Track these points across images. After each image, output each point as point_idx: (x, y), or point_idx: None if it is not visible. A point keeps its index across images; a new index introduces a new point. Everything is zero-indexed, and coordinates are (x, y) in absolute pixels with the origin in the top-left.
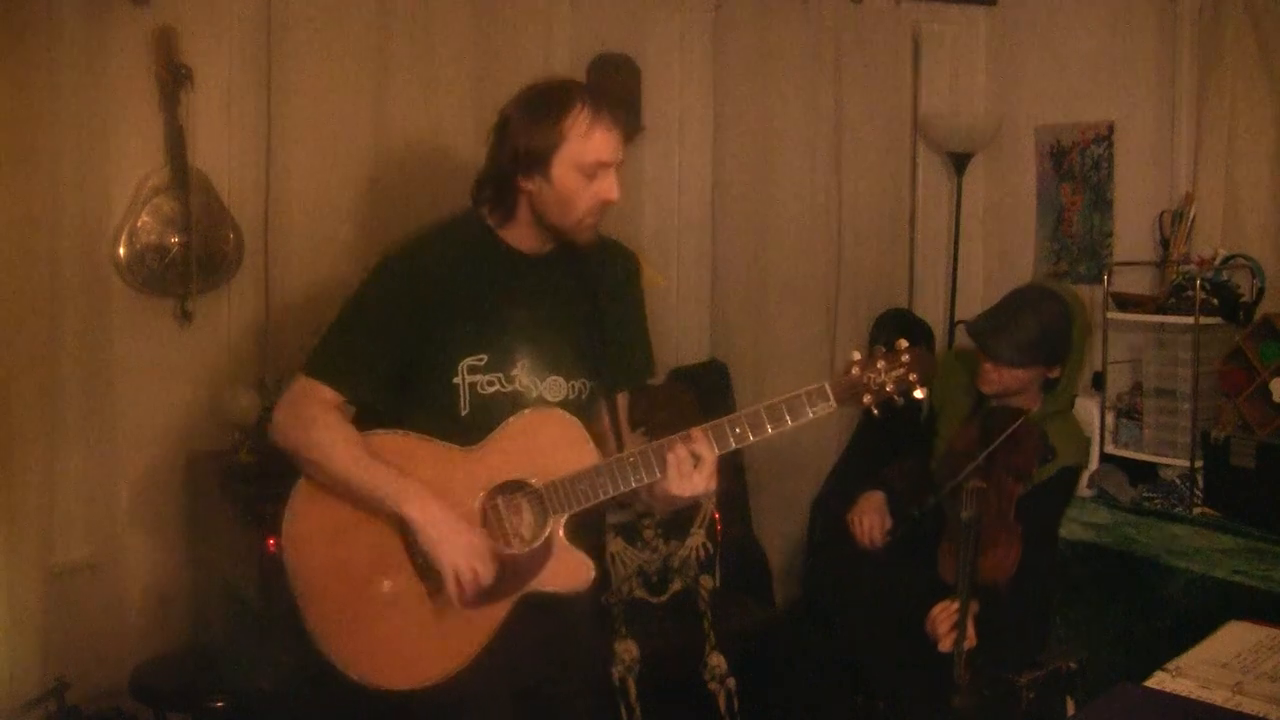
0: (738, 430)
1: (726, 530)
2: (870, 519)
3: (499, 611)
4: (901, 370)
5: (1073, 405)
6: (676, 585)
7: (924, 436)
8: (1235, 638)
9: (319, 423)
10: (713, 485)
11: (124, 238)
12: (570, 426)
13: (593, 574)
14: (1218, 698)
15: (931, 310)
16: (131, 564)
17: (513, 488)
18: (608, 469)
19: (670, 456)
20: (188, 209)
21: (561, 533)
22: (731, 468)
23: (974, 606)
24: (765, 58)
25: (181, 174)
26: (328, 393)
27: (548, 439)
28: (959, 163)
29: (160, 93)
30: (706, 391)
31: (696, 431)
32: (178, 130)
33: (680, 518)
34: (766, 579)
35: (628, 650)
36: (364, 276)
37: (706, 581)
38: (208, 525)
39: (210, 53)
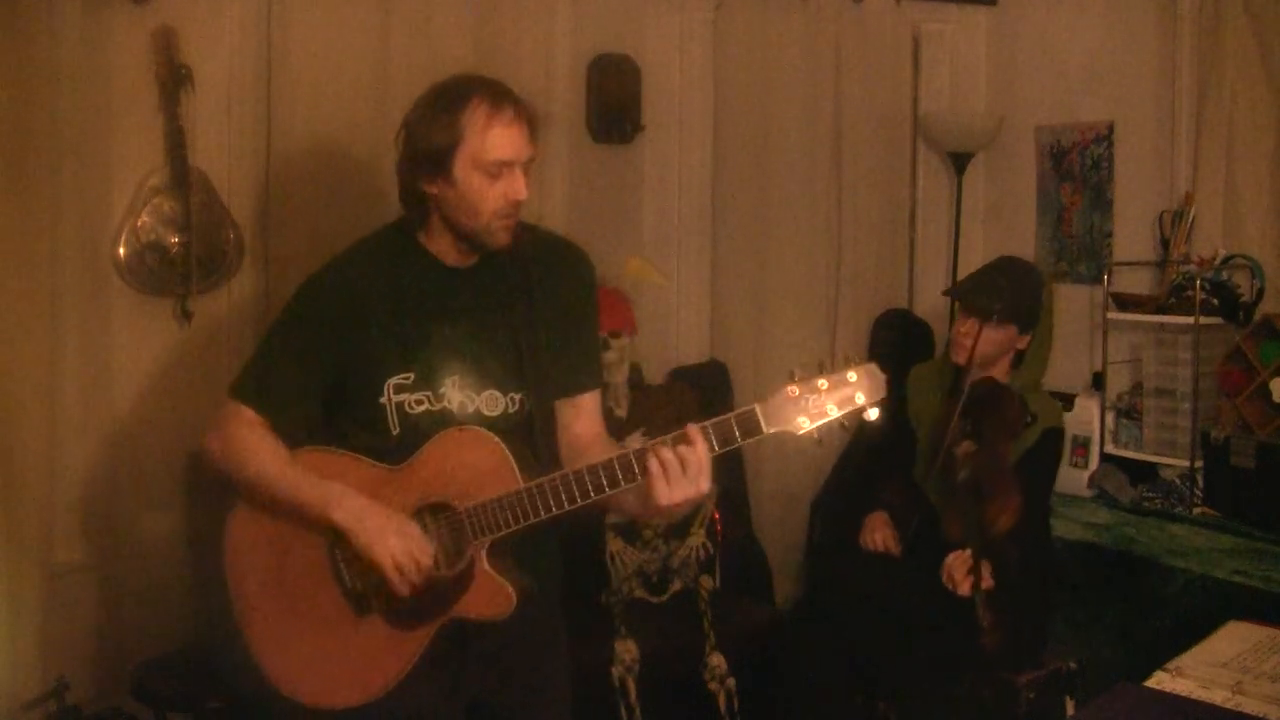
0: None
1: (726, 530)
2: (881, 534)
3: (423, 635)
4: (847, 391)
5: (1039, 380)
6: (676, 585)
7: (907, 447)
8: (1235, 638)
9: (243, 442)
10: (705, 487)
11: (124, 238)
12: (492, 448)
13: (512, 603)
14: (1218, 698)
15: (931, 310)
16: (131, 564)
17: (436, 510)
18: (527, 494)
19: (653, 464)
20: (188, 209)
21: (485, 558)
22: (731, 468)
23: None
24: (765, 58)
25: (181, 174)
26: (252, 415)
27: (468, 460)
28: (959, 162)
29: (160, 93)
30: (706, 391)
31: (694, 428)
32: (178, 130)
33: (680, 518)
34: (766, 579)
35: (628, 650)
36: (289, 297)
37: (706, 581)
38: (208, 525)
39: (210, 53)
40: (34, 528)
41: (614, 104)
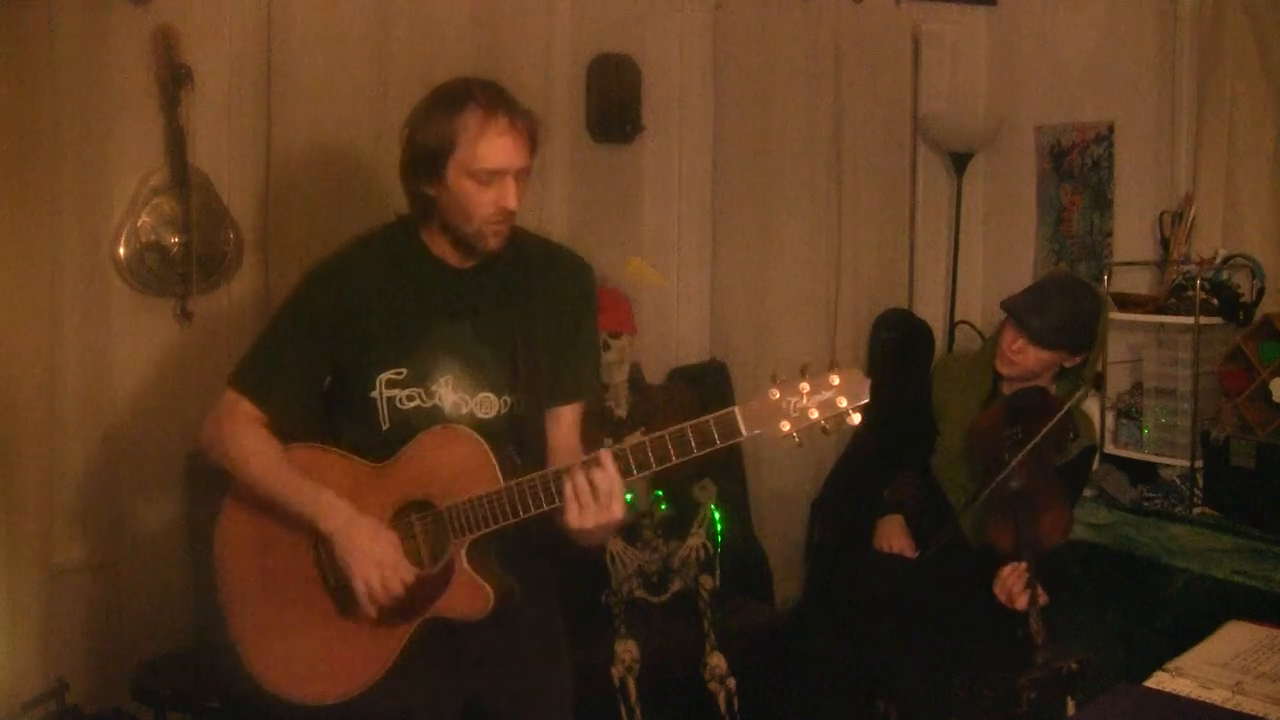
0: (638, 458)
1: (726, 530)
2: (898, 541)
3: (404, 633)
4: (828, 395)
5: (1085, 398)
6: (676, 585)
7: (926, 440)
8: (1235, 638)
9: (239, 436)
10: (617, 516)
11: (124, 238)
12: (474, 447)
13: (489, 603)
14: (1218, 698)
15: (931, 310)
16: (131, 564)
17: (420, 507)
18: (506, 493)
19: (568, 487)
20: (188, 209)
21: (464, 557)
22: (731, 468)
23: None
24: (765, 58)
25: (181, 174)
26: (250, 407)
27: (451, 459)
28: (959, 163)
29: (160, 93)
30: (706, 391)
31: (603, 454)
32: (178, 130)
33: (680, 517)
34: (766, 579)
35: (628, 650)
36: (290, 290)
37: (706, 581)
38: (208, 525)
39: (210, 53)
40: (34, 528)
41: (614, 104)
